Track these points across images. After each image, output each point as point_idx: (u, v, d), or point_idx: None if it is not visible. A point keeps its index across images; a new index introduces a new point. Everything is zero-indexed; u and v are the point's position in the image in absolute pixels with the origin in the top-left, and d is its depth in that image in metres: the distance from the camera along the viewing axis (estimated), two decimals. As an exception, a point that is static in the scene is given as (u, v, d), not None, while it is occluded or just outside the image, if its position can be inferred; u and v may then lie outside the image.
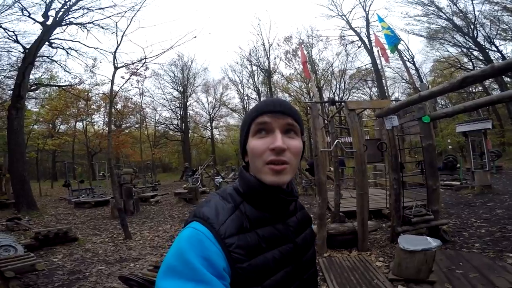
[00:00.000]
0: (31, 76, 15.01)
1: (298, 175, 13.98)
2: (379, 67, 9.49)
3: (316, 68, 26.46)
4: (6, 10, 13.43)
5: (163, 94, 31.22)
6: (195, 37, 6.86)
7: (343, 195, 7.53)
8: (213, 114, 34.18)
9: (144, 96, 29.08)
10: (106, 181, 17.02)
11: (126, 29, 7.21)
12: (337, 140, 5.66)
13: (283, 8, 47.87)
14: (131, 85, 18.54)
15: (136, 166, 21.60)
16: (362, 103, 5.69)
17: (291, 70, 27.97)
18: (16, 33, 12.85)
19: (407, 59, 20.46)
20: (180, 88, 31.56)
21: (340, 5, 25.99)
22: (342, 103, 5.54)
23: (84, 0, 12.20)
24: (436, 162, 5.10)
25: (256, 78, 30.89)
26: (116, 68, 6.17)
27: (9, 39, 12.40)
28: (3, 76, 15.37)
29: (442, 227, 4.30)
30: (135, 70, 9.04)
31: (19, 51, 12.23)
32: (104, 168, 20.59)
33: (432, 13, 19.32)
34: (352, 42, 24.29)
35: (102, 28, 12.37)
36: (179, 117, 32.08)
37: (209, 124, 34.29)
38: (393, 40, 6.14)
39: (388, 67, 21.56)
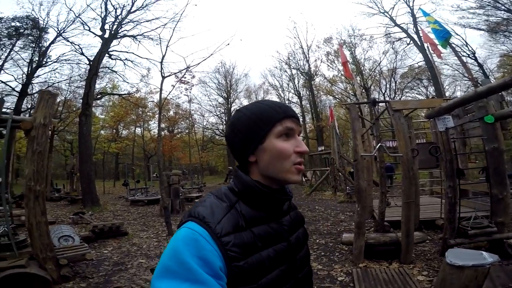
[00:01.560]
0: (97, 86, 17.08)
1: (343, 181, 13.39)
2: (434, 64, 8.57)
3: (362, 68, 25.08)
4: (70, 25, 15.60)
5: (209, 100, 32.65)
6: (228, 44, 7.04)
7: (392, 203, 6.98)
8: (255, 119, 34.67)
9: (192, 103, 30.91)
10: (158, 181, 18.40)
11: (170, 39, 7.73)
12: (379, 144, 5.24)
13: (318, 9, 46.48)
14: (181, 92, 19.86)
15: (186, 169, 22.97)
16: (409, 103, 5.17)
17: (334, 71, 26.89)
18: (81, 46, 14.83)
19: (466, 55, 18.10)
20: (224, 94, 32.70)
21: (381, 1, 24.09)
22: (386, 104, 5.13)
23: (133, 14, 13.60)
24: (504, 168, 4.39)
25: (296, 82, 30.57)
26: (163, 77, 6.66)
27: (76, 52, 14.33)
28: (75, 86, 17.78)
29: (509, 241, 3.68)
30: (182, 79, 9.67)
31: (85, 63, 14.06)
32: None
33: (488, 5, 16.79)
34: (400, 39, 22.39)
35: (152, 39, 13.57)
36: (224, 122, 33.32)
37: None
38: (443, 34, 5.50)
39: (446, 64, 19.36)
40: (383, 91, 25.70)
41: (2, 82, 17.84)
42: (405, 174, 4.36)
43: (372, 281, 3.07)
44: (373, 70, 25.07)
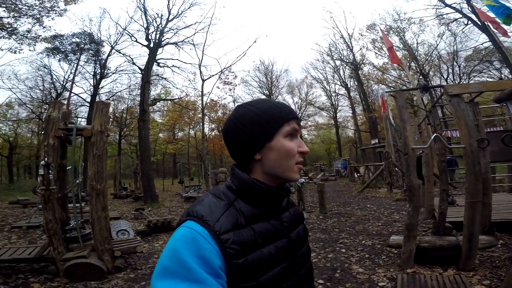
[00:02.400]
0: (152, 93, 18.65)
1: (400, 177, 12.28)
2: (501, 44, 7.21)
3: (416, 53, 22.53)
4: (120, 37, 17.33)
5: (253, 99, 33.00)
6: (255, 41, 7.02)
7: (458, 202, 6.15)
8: (300, 114, 34.02)
9: (237, 102, 31.60)
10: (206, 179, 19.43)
11: (205, 43, 7.98)
12: (435, 135, 4.63)
13: None
14: (225, 93, 20.57)
15: (235, 166, 23.62)
16: (469, 86, 4.43)
17: (384, 59, 24.68)
18: (132, 57, 16.39)
19: None
20: (266, 91, 32.68)
21: (424, -19, 21.08)
22: (441, 89, 4.50)
23: (171, 22, 14.46)
24: None
25: (342, 73, 29.01)
26: (203, 80, 6.94)
27: (128, 62, 15.86)
28: (134, 94, 19.77)
29: None
30: (225, 80, 9.99)
31: (138, 72, 15.49)
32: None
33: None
34: (455, 20, 19.36)
35: (193, 45, 14.29)
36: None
37: (297, 124, 34.36)
38: (503, 10, 4.59)
39: (519, 42, 16.19)
40: (445, 77, 22.78)
41: (75, 94, 20.78)
42: (469, 169, 3.78)
43: (420, 289, 2.73)
44: (429, 55, 22.37)
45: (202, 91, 6.86)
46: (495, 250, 3.73)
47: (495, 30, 5.22)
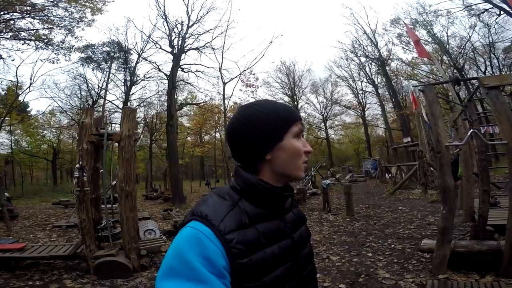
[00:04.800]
0: (179, 98, 19.24)
1: (436, 177, 11.49)
2: None
3: (448, 46, 21.02)
4: (145, 45, 18.13)
5: (275, 100, 32.76)
6: (272, 42, 7.00)
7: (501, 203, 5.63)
8: (325, 114, 33.12)
9: (260, 104, 31.51)
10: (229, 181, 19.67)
11: (223, 47, 8.05)
12: (471, 130, 4.27)
13: None
14: (248, 96, 20.75)
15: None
16: (508, 77, 4.04)
17: (412, 53, 23.27)
18: (157, 64, 17.08)
19: None
20: (289, 92, 32.18)
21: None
22: (476, 81, 4.14)
23: (191, 28, 14.79)
24: None
25: (368, 70, 27.83)
26: (224, 83, 7.03)
27: (155, 69, 16.53)
28: (163, 100, 20.58)
29: None
30: (248, 82, 10.05)
31: (165, 78, 16.09)
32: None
33: None
34: (486, 10, 17.79)
35: (213, 49, 14.56)
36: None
37: (322, 124, 33.43)
38: None
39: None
40: (483, 70, 21.04)
41: (109, 101, 22.08)
42: (513, 166, 3.44)
43: (453, 298, 2.50)
44: (462, 47, 20.80)
45: (223, 94, 6.95)
46: (545, 257, 3.32)
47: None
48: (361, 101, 30.50)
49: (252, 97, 26.46)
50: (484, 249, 3.27)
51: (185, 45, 14.70)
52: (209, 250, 0.54)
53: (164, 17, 14.77)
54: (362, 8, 32.78)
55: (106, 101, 21.75)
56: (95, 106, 21.08)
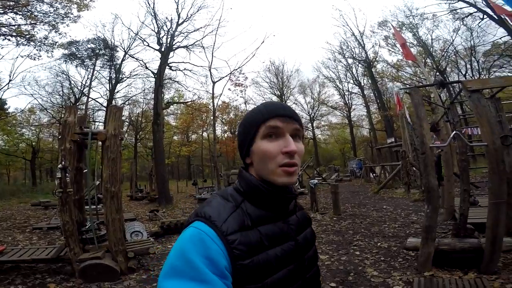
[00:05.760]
0: (166, 96, 18.89)
1: (418, 177, 11.88)
2: None
3: (431, 49, 21.82)
4: (133, 42, 17.78)
5: (264, 100, 32.92)
6: (263, 42, 7.01)
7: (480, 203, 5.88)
8: (312, 114, 33.57)
9: (248, 104, 31.59)
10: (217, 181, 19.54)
11: (214, 45, 7.93)
12: (454, 132, 4.43)
13: None
14: (237, 95, 20.65)
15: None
16: (489, 81, 4.22)
17: (397, 56, 24.04)
18: (144, 61, 16.76)
19: None
20: (278, 92, 32.37)
21: (436, -25, 20.42)
22: (459, 84, 4.30)
23: (181, 26, 14.62)
24: None
25: (354, 71, 28.46)
26: (213, 82, 6.96)
27: (141, 67, 16.21)
28: (149, 98, 20.18)
29: None
30: (236, 81, 10.01)
31: (152, 76, 15.79)
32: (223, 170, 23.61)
33: None
34: (470, 14, 18.60)
35: (203, 47, 14.41)
36: (280, 120, 33.00)
37: (309, 124, 33.83)
38: None
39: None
40: (464, 72, 21.93)
41: (93, 99, 21.43)
42: (492, 168, 3.60)
43: (439, 295, 2.60)
44: (445, 50, 21.61)
45: (212, 93, 6.87)
46: (521, 254, 3.51)
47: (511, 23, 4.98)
48: (347, 102, 31.11)
49: (241, 97, 26.41)
50: (466, 246, 3.41)
51: (173, 43, 14.47)
52: (211, 250, 0.54)
53: (153, 14, 14.50)
54: (351, 10, 33.49)
55: (90, 99, 21.08)
56: (77, 104, 20.39)
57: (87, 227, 4.35)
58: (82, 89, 21.36)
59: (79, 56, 20.17)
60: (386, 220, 6.64)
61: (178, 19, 14.69)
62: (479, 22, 18.68)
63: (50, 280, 3.77)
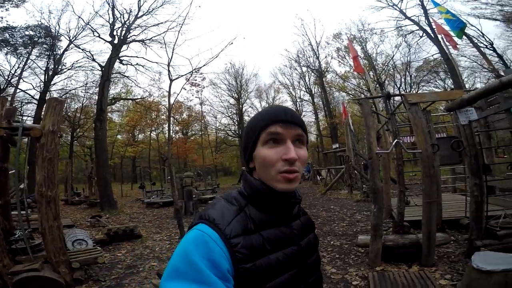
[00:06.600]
0: (112, 91, 17.37)
1: (359, 179, 13.03)
2: (450, 56, 8.18)
3: (375, 63, 24.39)
4: (81, 32, 16.16)
5: (221, 102, 32.49)
6: (232, 43, 6.96)
7: (411, 203, 6.66)
8: (265, 119, 34.46)
9: (204, 104, 31.03)
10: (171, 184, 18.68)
11: (175, 42, 7.56)
12: (396, 140, 4.99)
13: (325, 5, 45.02)
14: (192, 95, 20.03)
15: (200, 170, 23.15)
16: (426, 96, 4.89)
17: (345, 67, 26.33)
18: (92, 53, 15.29)
19: (484, 46, 17.23)
20: (235, 95, 32.52)
21: (390, -6, 23.39)
22: (401, 97, 4.88)
23: (140, 19, 13.80)
24: (535, 162, 4.07)
25: (307, 79, 30.11)
26: (171, 80, 6.64)
27: (88, 58, 14.74)
28: (91, 93, 18.29)
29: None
30: (193, 81, 9.68)
31: (98, 69, 14.41)
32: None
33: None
34: (412, 32, 21.43)
35: (160, 43, 13.76)
36: (236, 123, 33.27)
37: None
38: (457, 24, 5.22)
39: (463, 55, 18.53)
40: (398, 86, 24.93)
41: (22, 90, 18.63)
42: (425, 171, 4.11)
43: (390, 286, 2.88)
44: (386, 64, 24.35)
45: (169, 92, 6.54)
46: (450, 246, 4.08)
47: (447, 43, 5.85)
48: (298, 108, 32.64)
49: (196, 97, 25.59)
50: (407, 242, 3.83)
51: (128, 35, 13.43)
52: (214, 252, 0.54)
53: (111, 3, 13.26)
54: (312, 20, 35.07)
55: (18, 90, 18.23)
56: (1, 94, 17.42)
57: (16, 236, 3.75)
58: (9, 78, 18.35)
59: (13, 43, 17.34)
60: (335, 219, 7.11)
61: (138, 11, 13.76)
62: (418, 40, 21.49)
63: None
